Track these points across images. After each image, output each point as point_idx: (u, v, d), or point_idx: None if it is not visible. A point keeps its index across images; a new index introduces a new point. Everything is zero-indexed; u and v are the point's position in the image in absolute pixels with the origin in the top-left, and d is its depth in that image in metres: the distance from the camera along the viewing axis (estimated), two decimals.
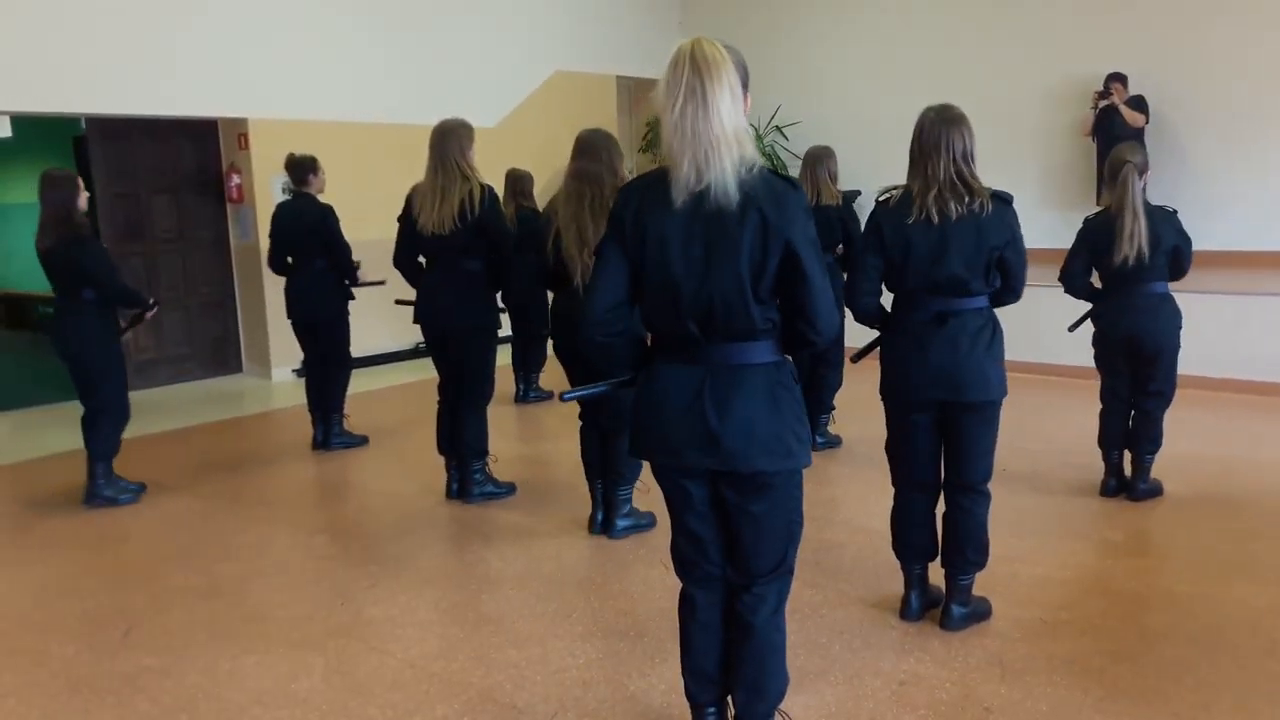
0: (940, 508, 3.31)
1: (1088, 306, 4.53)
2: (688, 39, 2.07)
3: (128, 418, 4.97)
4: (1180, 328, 4.35)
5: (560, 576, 3.88)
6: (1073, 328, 4.60)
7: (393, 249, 4.64)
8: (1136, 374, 4.46)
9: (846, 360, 4.46)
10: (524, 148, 8.19)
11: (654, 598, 3.60)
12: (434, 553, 4.20)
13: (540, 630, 3.39)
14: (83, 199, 4.75)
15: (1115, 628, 3.29)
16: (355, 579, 3.90)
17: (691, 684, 2.46)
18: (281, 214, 5.66)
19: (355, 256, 5.67)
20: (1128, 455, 4.57)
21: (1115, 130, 6.95)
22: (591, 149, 3.88)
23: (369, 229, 6.43)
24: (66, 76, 6.62)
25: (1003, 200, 3.06)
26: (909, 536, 3.33)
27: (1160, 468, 4.58)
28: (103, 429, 4.85)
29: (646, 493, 3.99)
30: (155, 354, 7.94)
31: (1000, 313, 3.22)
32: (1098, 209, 4.49)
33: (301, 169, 5.57)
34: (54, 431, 6.25)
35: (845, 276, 4.68)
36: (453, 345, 4.62)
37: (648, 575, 3.82)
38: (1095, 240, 4.29)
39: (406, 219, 4.52)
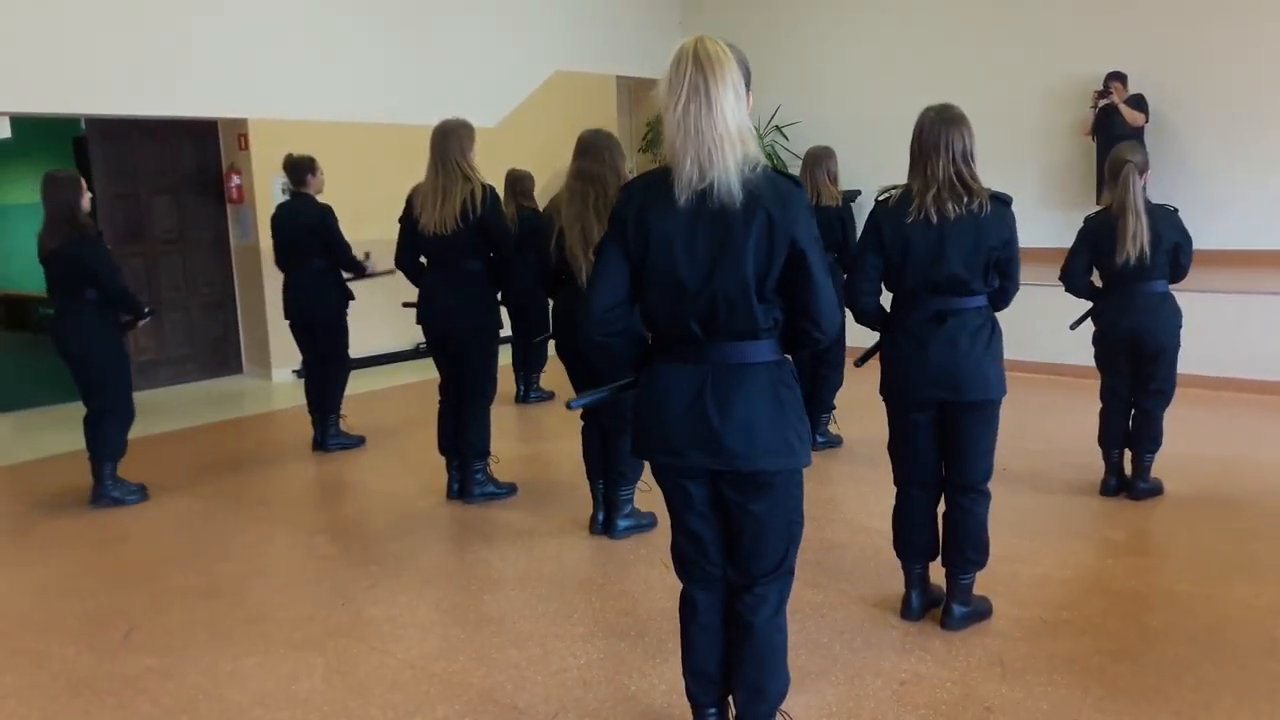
0: (941, 507, 3.31)
1: (1088, 305, 4.53)
2: (690, 37, 2.07)
3: (133, 418, 4.97)
4: (1180, 327, 4.35)
5: (561, 577, 3.88)
6: (1074, 325, 4.60)
7: (392, 249, 4.65)
8: (1137, 373, 4.46)
9: (847, 360, 4.46)
10: (524, 148, 8.19)
11: (655, 598, 3.61)
12: (434, 553, 4.20)
13: (541, 630, 3.39)
14: (86, 199, 4.75)
15: (1116, 627, 3.29)
16: (356, 579, 3.90)
17: (692, 684, 2.46)
18: (280, 215, 5.67)
19: (365, 248, 5.69)
20: (1128, 454, 4.57)
21: (1115, 129, 6.95)
22: (594, 149, 3.89)
23: (369, 229, 6.43)
24: (67, 77, 6.62)
25: (1002, 202, 3.07)
26: (910, 536, 3.33)
27: (1160, 467, 4.58)
28: (108, 430, 4.85)
29: (647, 493, 3.99)
30: (155, 355, 7.93)
31: (1001, 312, 3.22)
32: (1098, 208, 4.49)
33: (299, 170, 5.57)
34: (54, 432, 6.25)
35: (845, 276, 4.68)
36: (454, 345, 4.63)
37: (649, 575, 3.82)
38: (1096, 240, 4.29)
39: (407, 219, 4.53)
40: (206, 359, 8.25)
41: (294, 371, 7.70)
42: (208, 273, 8.22)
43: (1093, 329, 4.52)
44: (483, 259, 4.52)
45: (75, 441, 5.02)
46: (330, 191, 5.78)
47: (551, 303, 4.31)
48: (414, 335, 5.05)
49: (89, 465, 4.91)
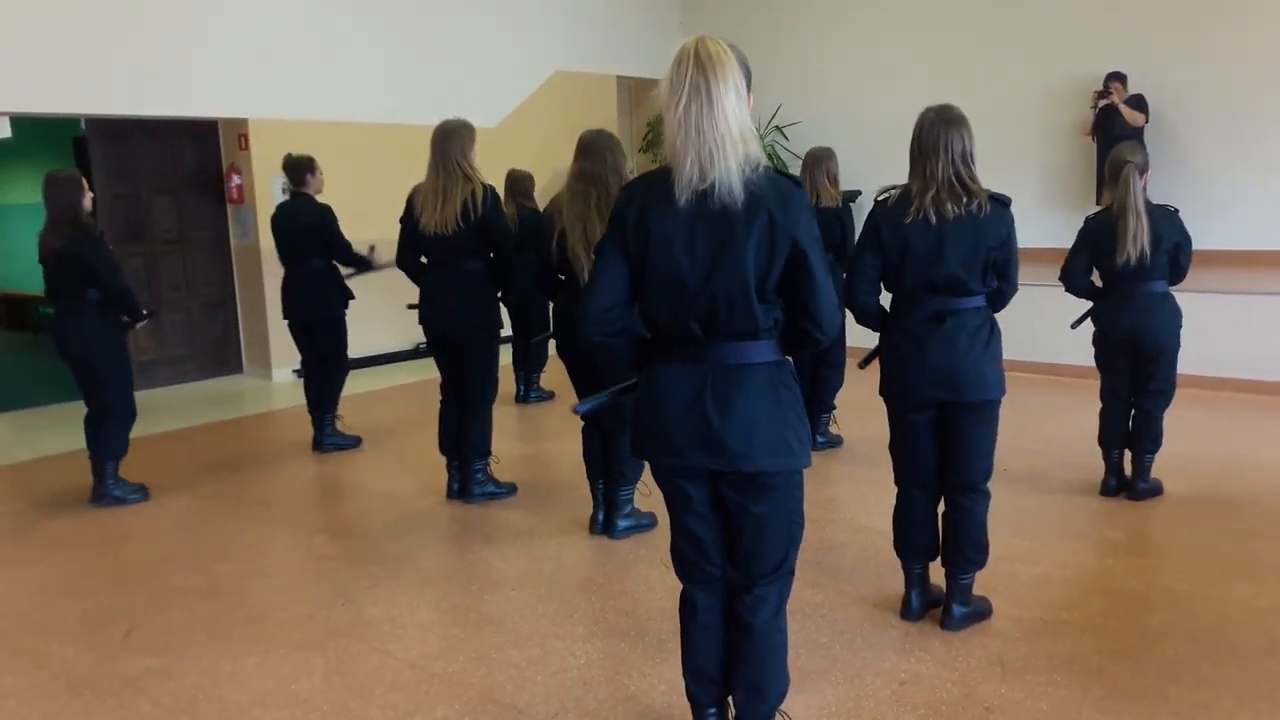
0: (941, 507, 3.31)
1: (1088, 305, 4.53)
2: (691, 37, 2.07)
3: (134, 417, 4.97)
4: (1180, 327, 4.36)
5: (561, 577, 3.88)
6: (1074, 325, 4.60)
7: (393, 248, 4.65)
8: (1137, 373, 4.46)
9: (848, 361, 4.46)
10: (524, 148, 8.19)
11: (655, 598, 3.61)
12: (434, 553, 4.20)
13: (541, 630, 3.39)
14: (88, 199, 4.76)
15: (1115, 627, 3.29)
16: (355, 579, 3.90)
17: (692, 684, 2.46)
18: (280, 215, 5.67)
19: (369, 241, 5.68)
20: (1128, 454, 4.57)
21: (1115, 130, 6.95)
22: (595, 150, 3.89)
23: (369, 229, 6.42)
24: (67, 77, 6.62)
25: (1001, 203, 3.07)
26: (910, 535, 3.33)
27: (1160, 467, 4.58)
28: (110, 429, 4.85)
29: (648, 495, 3.99)
30: (155, 354, 7.93)
31: (998, 313, 3.22)
32: (1098, 208, 4.49)
33: (299, 169, 5.58)
34: (54, 432, 6.25)
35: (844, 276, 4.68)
36: (455, 345, 4.63)
37: (649, 575, 3.82)
38: (1096, 240, 4.29)
39: (408, 219, 4.53)
40: (206, 359, 8.25)
41: (294, 371, 7.70)
42: (208, 273, 8.22)
43: (1093, 329, 4.52)
44: (483, 259, 4.52)
45: (75, 441, 5.02)
46: (330, 191, 5.79)
47: (552, 303, 4.31)
48: (413, 335, 5.06)
49: (89, 465, 4.91)
